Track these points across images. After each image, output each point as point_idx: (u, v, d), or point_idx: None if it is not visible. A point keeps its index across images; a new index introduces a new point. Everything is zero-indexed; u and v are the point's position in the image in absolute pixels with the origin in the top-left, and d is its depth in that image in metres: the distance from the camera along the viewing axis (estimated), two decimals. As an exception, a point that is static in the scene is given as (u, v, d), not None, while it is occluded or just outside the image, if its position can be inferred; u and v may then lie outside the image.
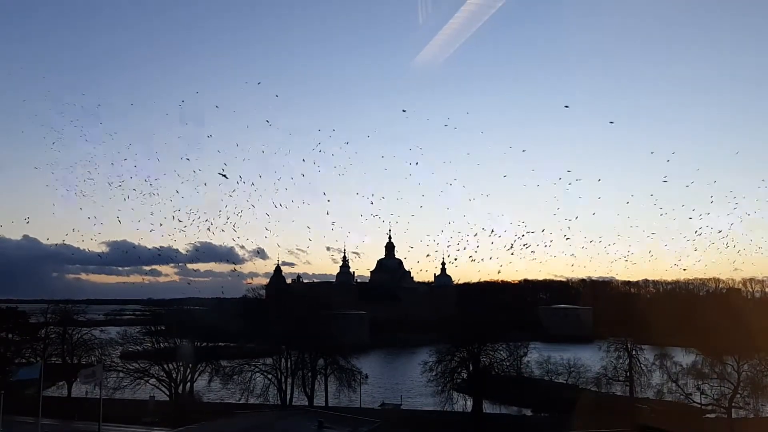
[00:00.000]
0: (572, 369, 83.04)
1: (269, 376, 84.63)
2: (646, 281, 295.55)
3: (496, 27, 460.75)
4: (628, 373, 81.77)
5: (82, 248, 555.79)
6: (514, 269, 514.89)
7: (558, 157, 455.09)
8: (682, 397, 75.20)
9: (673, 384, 76.30)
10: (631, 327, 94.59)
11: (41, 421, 45.52)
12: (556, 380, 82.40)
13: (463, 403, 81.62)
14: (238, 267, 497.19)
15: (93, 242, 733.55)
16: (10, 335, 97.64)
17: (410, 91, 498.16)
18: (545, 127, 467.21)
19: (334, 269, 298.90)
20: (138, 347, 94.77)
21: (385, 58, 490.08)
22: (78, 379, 53.35)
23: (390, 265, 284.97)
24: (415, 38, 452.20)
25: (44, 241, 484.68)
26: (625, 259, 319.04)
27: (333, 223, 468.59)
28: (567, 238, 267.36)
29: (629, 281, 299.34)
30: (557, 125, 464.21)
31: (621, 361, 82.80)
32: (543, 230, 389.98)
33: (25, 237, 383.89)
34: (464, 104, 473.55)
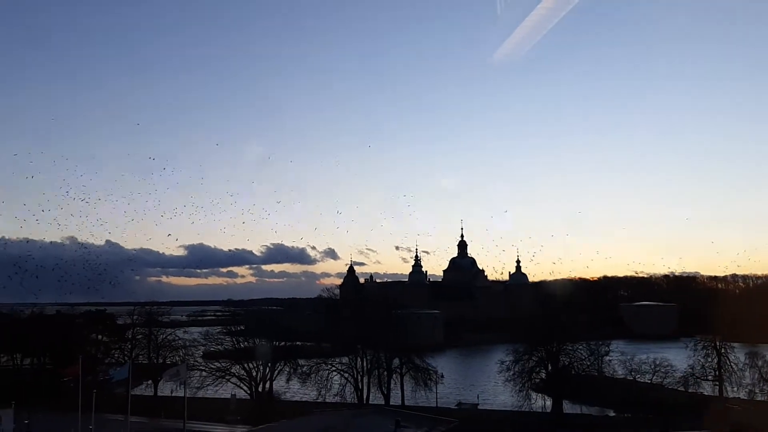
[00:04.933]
0: (657, 368, 79.70)
1: (345, 375, 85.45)
2: (734, 276, 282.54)
3: (580, 18, 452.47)
4: (717, 373, 78.49)
5: (161, 252, 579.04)
6: (595, 266, 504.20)
7: (647, 145, 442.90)
8: (776, 397, 71.36)
9: (766, 383, 72.43)
10: (720, 324, 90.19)
11: (130, 419, 47.18)
12: (640, 380, 79.34)
13: (542, 403, 79.94)
14: (310, 267, 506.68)
15: (171, 246, 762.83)
16: (100, 337, 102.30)
17: (491, 85, 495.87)
18: (631, 121, 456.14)
19: (404, 268, 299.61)
20: (219, 347, 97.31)
21: (463, 52, 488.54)
22: (164, 379, 55.30)
23: (463, 264, 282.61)
24: (494, 32, 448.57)
25: (125, 246, 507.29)
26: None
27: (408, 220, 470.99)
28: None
29: (716, 276, 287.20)
30: (644, 118, 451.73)
31: (709, 359, 79.69)
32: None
33: (108, 242, 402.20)
34: (547, 98, 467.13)
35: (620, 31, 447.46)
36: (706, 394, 77.98)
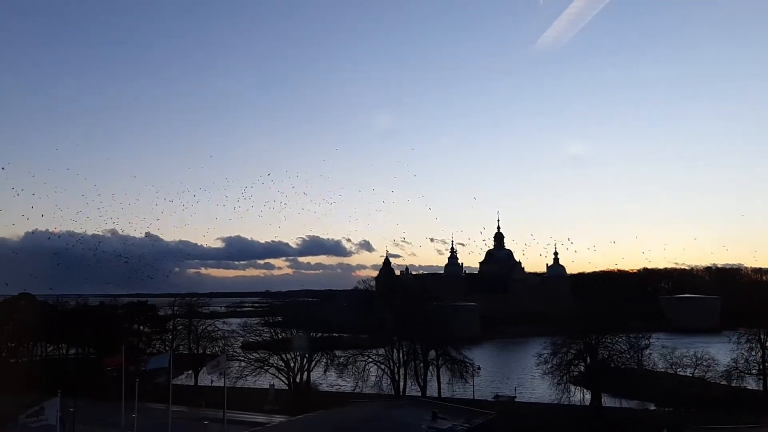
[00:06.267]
0: (699, 362, 78.01)
1: (382, 366, 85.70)
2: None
3: (621, 7, 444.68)
4: (761, 367, 76.63)
5: (199, 244, 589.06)
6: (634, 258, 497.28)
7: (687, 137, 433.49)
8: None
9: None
10: (764, 317, 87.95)
11: (171, 407, 48.04)
12: (681, 373, 77.84)
13: (580, 397, 79.05)
14: (345, 259, 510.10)
15: (209, 238, 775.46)
16: (141, 327, 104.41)
17: (532, 73, 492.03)
18: (673, 110, 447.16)
19: (439, 260, 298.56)
20: (258, 338, 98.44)
21: (504, 41, 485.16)
22: (204, 369, 56.36)
23: (500, 256, 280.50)
24: (536, 20, 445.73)
25: (165, 238, 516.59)
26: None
27: (437, 218, 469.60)
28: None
29: (760, 268, 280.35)
30: (687, 107, 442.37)
31: (753, 353, 77.61)
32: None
33: (148, 234, 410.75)
34: (588, 87, 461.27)
35: (663, 20, 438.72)
36: (749, 388, 76.13)
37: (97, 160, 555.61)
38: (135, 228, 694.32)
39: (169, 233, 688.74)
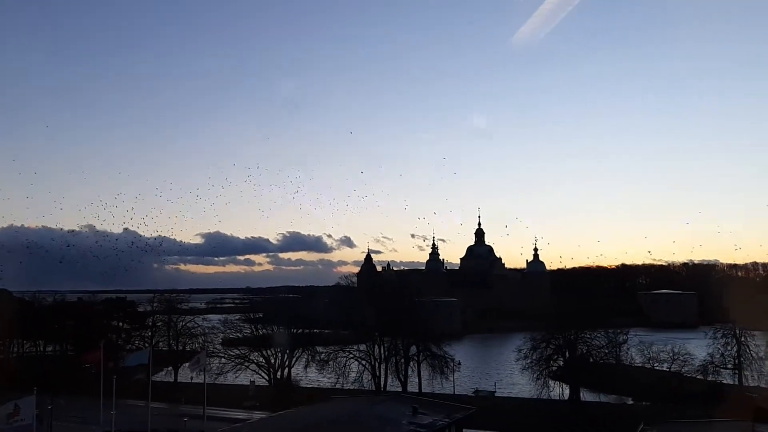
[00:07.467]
0: (676, 357, 79.09)
1: (363, 362, 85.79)
2: (755, 264, 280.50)
3: (596, 3, 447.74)
4: (736, 361, 77.66)
5: (178, 240, 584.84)
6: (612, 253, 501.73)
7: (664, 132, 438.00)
8: (797, 386, 70.49)
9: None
10: (740, 312, 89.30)
11: (151, 404, 47.81)
12: (658, 368, 78.87)
13: (559, 391, 79.75)
14: (326, 255, 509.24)
15: (189, 234, 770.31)
16: (121, 323, 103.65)
17: (509, 68, 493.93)
18: (649, 107, 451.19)
19: (420, 256, 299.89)
20: (238, 334, 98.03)
21: (481, 35, 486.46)
22: (188, 368, 56.10)
23: (480, 252, 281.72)
24: (513, 14, 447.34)
25: (143, 234, 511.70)
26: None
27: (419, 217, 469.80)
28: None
29: (736, 264, 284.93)
30: (663, 104, 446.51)
31: (729, 348, 78.65)
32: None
33: (126, 230, 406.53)
34: (564, 84, 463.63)
35: (638, 16, 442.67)
36: (725, 382, 77.26)
37: (73, 154, 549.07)
38: (113, 223, 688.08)
39: (148, 229, 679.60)
